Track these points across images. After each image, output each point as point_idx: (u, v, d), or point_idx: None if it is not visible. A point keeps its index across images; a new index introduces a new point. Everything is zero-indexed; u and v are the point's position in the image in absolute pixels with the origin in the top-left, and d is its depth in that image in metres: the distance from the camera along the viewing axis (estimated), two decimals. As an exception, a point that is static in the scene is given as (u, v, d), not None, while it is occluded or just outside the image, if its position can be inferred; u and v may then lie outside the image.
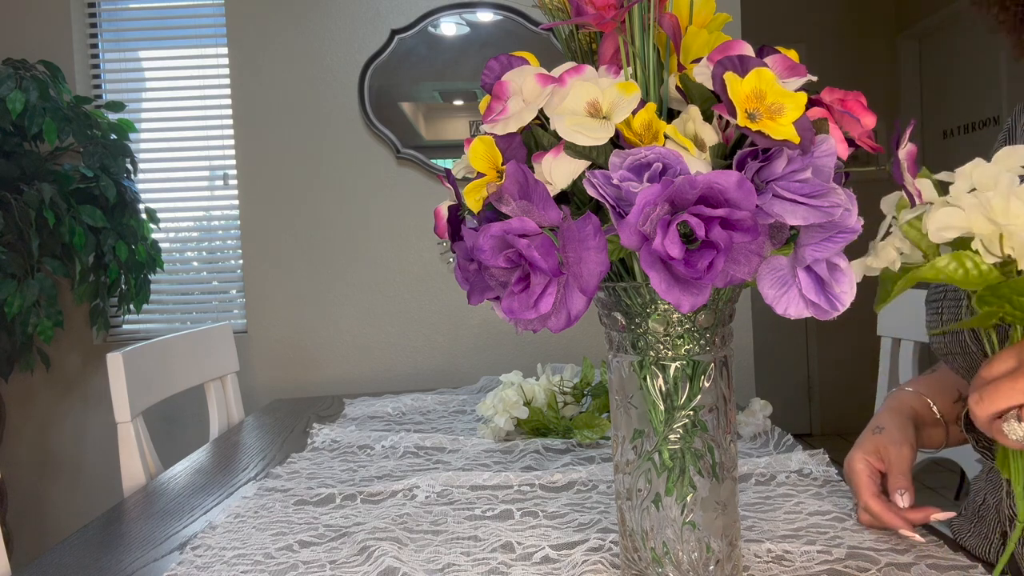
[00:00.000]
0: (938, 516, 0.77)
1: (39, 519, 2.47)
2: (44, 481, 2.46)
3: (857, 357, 4.22)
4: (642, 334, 0.61)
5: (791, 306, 0.52)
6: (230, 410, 1.68)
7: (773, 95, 0.50)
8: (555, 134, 0.55)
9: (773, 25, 4.27)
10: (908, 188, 0.58)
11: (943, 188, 0.59)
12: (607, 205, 0.51)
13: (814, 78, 0.55)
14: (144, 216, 2.28)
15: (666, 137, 0.53)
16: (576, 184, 0.55)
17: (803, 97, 0.51)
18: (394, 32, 2.40)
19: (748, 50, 0.54)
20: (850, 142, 0.57)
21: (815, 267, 0.51)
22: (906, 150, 0.58)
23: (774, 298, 0.52)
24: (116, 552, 0.87)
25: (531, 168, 0.55)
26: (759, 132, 0.49)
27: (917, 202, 0.60)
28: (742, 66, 0.51)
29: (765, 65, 0.52)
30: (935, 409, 0.88)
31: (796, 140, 0.50)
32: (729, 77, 0.50)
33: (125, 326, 2.51)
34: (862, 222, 0.53)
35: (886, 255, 0.59)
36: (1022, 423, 0.57)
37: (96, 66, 2.51)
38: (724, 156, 0.54)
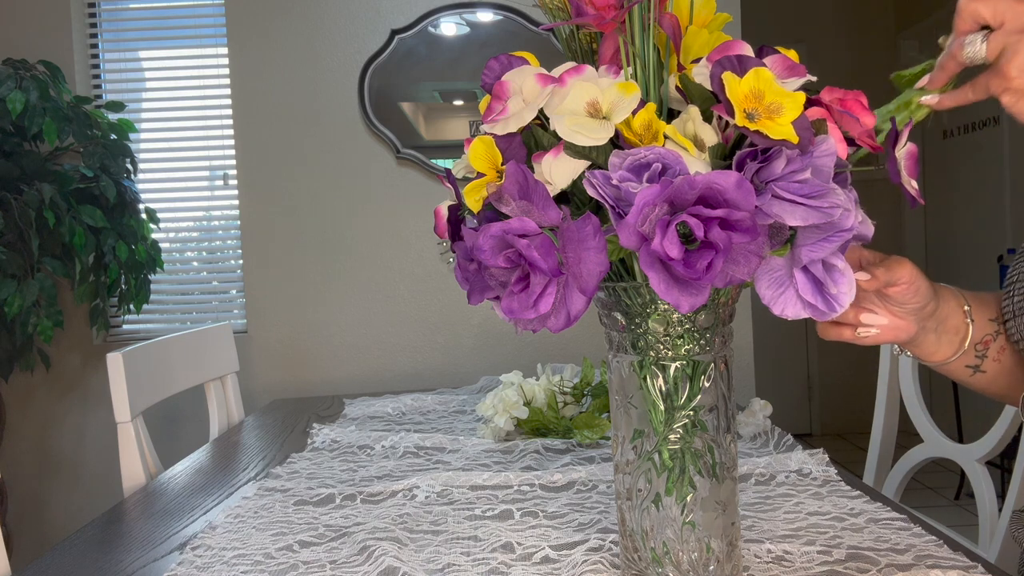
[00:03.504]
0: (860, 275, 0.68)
1: (39, 519, 2.46)
2: (44, 481, 2.46)
3: (857, 357, 4.22)
4: (642, 334, 0.61)
5: (788, 307, 0.52)
6: (230, 410, 1.68)
7: (772, 95, 0.50)
8: (555, 134, 0.55)
9: (773, 25, 4.27)
10: (906, 187, 0.58)
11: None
12: (607, 205, 0.51)
13: (814, 78, 0.55)
14: (144, 216, 2.28)
15: (666, 137, 0.53)
16: (576, 184, 0.55)
17: (802, 97, 0.51)
18: (394, 32, 2.40)
19: (747, 50, 0.54)
20: (850, 142, 0.57)
21: (811, 267, 0.51)
22: (906, 149, 0.59)
23: (771, 299, 0.52)
24: (116, 552, 0.87)
25: (531, 168, 0.55)
26: (757, 132, 0.49)
27: (919, 201, 0.60)
28: (740, 66, 0.51)
29: (763, 65, 0.52)
30: (967, 309, 0.79)
31: (794, 140, 0.50)
32: (727, 77, 0.50)
33: (125, 326, 2.51)
34: (873, 228, 0.54)
35: None
36: (983, 45, 0.59)
37: (96, 66, 2.51)
38: (724, 156, 0.54)
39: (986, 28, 0.61)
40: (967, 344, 0.79)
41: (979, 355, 0.80)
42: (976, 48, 0.60)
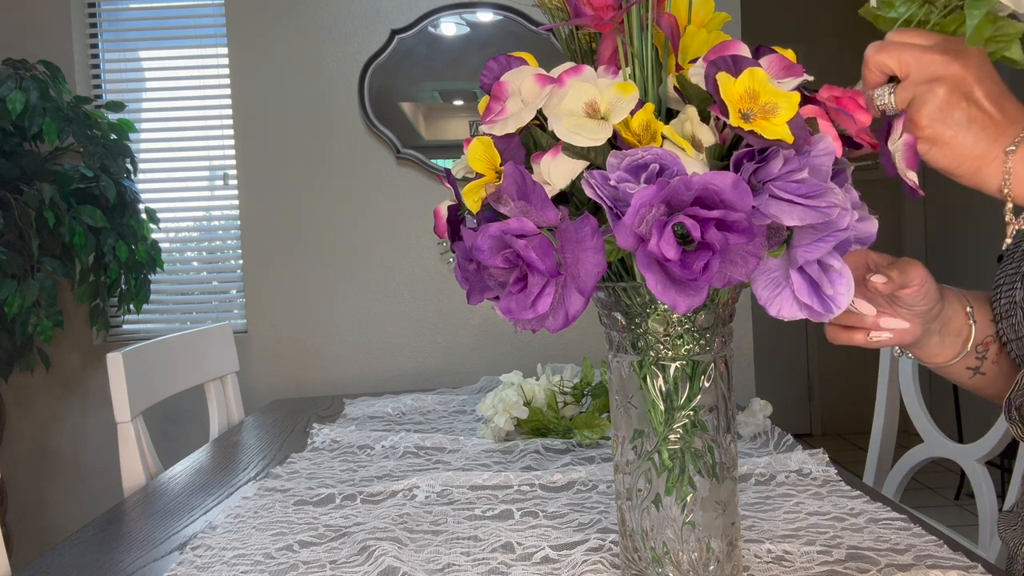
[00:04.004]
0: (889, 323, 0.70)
1: (39, 519, 2.47)
2: (44, 481, 2.46)
3: (857, 357, 4.22)
4: (642, 334, 0.61)
5: (784, 308, 0.52)
6: (230, 410, 1.68)
7: (766, 95, 0.50)
8: (553, 135, 0.55)
9: (773, 24, 4.27)
10: (903, 179, 0.58)
11: None
12: (604, 206, 0.51)
13: (810, 78, 0.55)
14: (144, 216, 2.28)
15: (664, 138, 0.53)
16: (574, 184, 0.55)
17: (797, 96, 0.51)
18: (394, 32, 2.40)
19: (744, 50, 0.54)
20: (848, 139, 0.57)
21: (807, 268, 0.51)
22: (903, 140, 0.58)
23: (767, 300, 0.52)
24: (116, 552, 0.87)
25: (530, 168, 0.55)
26: (752, 132, 0.49)
27: (919, 192, 0.59)
28: (735, 66, 0.51)
29: (758, 65, 0.52)
30: (970, 311, 0.80)
31: (790, 140, 0.50)
32: (722, 77, 0.50)
33: (125, 326, 2.51)
34: (876, 223, 0.54)
35: None
36: (891, 97, 0.60)
37: (96, 66, 2.51)
38: (721, 157, 0.54)
39: (894, 79, 0.61)
40: (969, 346, 0.79)
41: (979, 357, 0.80)
42: (885, 100, 0.60)
